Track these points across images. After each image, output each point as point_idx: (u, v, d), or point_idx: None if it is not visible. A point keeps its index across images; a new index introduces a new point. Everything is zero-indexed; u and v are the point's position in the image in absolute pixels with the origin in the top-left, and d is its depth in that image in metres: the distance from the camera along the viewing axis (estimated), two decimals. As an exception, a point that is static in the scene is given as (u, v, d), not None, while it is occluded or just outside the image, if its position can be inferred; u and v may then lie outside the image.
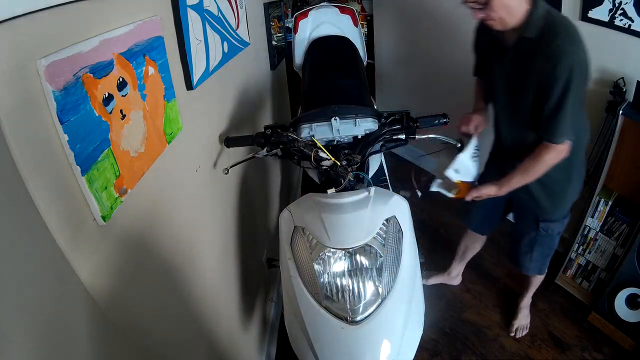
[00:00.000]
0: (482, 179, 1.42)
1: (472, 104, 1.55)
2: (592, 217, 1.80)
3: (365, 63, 1.94)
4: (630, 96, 1.58)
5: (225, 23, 1.19)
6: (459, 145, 1.28)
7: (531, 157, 1.21)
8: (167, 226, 0.81)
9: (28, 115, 0.45)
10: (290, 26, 2.14)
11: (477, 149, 1.36)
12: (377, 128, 1.15)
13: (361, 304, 0.85)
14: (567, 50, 1.05)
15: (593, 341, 1.76)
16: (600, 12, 1.64)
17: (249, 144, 1.15)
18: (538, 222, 1.48)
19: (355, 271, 0.87)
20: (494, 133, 1.45)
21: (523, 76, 1.18)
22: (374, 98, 2.34)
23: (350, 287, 0.86)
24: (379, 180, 1.58)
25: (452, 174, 1.33)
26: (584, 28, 1.71)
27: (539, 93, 1.15)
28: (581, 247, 1.88)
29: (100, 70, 0.56)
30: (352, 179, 1.04)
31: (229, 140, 1.15)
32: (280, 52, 2.22)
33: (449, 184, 1.37)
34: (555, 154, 1.17)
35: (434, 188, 1.38)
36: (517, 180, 1.27)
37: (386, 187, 1.56)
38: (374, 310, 0.85)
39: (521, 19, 1.11)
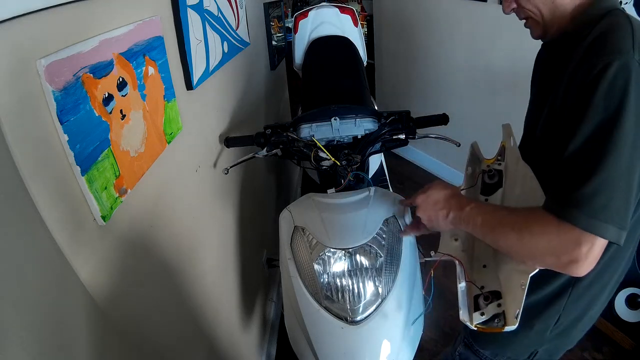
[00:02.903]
0: None
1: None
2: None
3: (365, 63, 1.94)
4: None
5: (225, 23, 1.19)
6: (459, 145, 1.17)
7: (522, 216, 0.67)
8: (167, 226, 0.81)
9: (28, 115, 0.45)
10: (290, 26, 2.14)
11: None
12: (377, 128, 1.15)
13: (361, 304, 0.85)
14: (623, 47, 0.61)
15: (593, 341, 1.76)
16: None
17: (249, 144, 1.15)
18: (461, 343, 1.00)
19: (355, 271, 0.87)
20: None
21: (546, 87, 0.79)
22: (374, 98, 2.34)
23: (350, 287, 0.86)
24: (379, 180, 1.58)
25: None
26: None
27: (560, 116, 0.70)
28: (581, 247, 1.88)
29: (100, 70, 0.56)
30: (352, 179, 1.04)
31: (229, 140, 1.15)
32: (280, 52, 2.22)
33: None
34: (563, 245, 0.61)
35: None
36: (484, 224, 0.71)
37: (386, 187, 1.56)
38: (374, 310, 0.85)
39: (570, 19, 0.74)
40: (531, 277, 0.69)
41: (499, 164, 0.89)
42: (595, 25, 0.68)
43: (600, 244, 0.59)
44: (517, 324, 0.71)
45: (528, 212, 0.67)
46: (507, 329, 0.73)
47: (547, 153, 0.73)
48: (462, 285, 0.82)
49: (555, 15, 0.74)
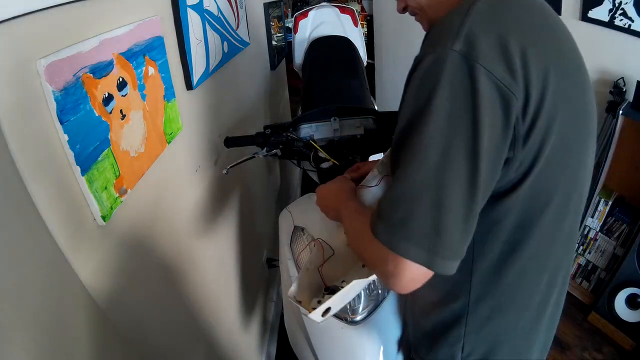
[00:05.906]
0: None
1: None
2: (592, 217, 1.80)
3: (365, 63, 1.94)
4: (630, 96, 1.59)
5: (225, 23, 1.19)
6: None
7: (364, 221, 0.57)
8: (167, 226, 0.81)
9: (28, 115, 0.45)
10: (290, 26, 2.14)
11: None
12: (376, 128, 1.16)
13: (360, 305, 0.85)
14: (441, 39, 0.51)
15: (593, 341, 1.76)
16: (600, 12, 1.64)
17: (249, 144, 1.15)
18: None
19: (355, 271, 0.87)
20: None
21: None
22: (374, 98, 2.34)
23: (350, 287, 0.86)
24: (379, 180, 1.58)
25: None
26: (584, 28, 1.72)
27: None
28: (581, 247, 1.88)
29: (100, 70, 0.56)
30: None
31: (229, 140, 1.15)
32: (280, 52, 2.22)
33: None
34: (373, 258, 0.54)
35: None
36: (345, 219, 0.67)
37: (386, 187, 1.55)
38: (373, 311, 0.85)
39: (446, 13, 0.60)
40: (426, 300, 0.65)
41: None
42: None
43: (408, 265, 0.48)
44: (308, 314, 0.63)
45: (367, 216, 0.58)
46: (302, 311, 0.66)
47: None
48: (310, 268, 0.71)
49: (433, 8, 0.65)
